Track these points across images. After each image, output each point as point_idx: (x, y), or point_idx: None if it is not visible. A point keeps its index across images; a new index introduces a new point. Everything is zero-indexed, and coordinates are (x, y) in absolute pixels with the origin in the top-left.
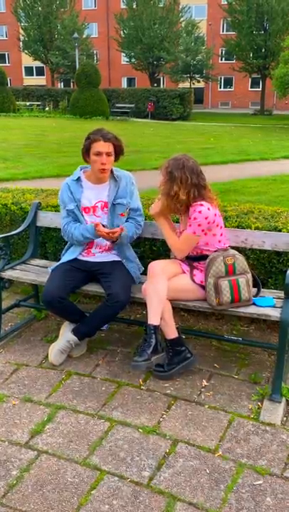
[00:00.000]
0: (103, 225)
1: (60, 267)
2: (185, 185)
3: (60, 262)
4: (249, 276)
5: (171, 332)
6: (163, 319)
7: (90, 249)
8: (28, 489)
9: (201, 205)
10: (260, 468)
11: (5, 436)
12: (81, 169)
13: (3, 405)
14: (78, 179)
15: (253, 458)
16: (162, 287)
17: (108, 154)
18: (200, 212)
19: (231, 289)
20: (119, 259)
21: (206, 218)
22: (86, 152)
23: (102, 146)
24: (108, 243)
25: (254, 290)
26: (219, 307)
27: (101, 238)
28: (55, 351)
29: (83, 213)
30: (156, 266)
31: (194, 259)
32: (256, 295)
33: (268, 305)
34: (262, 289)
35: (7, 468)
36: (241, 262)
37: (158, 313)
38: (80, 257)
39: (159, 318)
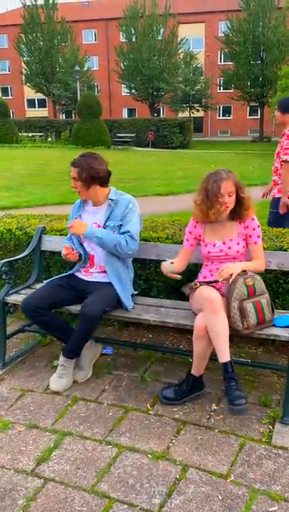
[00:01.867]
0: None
1: (52, 281)
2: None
3: (58, 276)
4: (267, 296)
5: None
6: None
7: (90, 268)
8: None
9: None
10: (275, 494)
11: (10, 464)
12: None
13: (9, 432)
14: (86, 200)
15: (266, 483)
16: (227, 323)
17: (74, 178)
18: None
19: (256, 310)
20: (113, 283)
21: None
22: None
23: (71, 172)
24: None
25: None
26: (246, 331)
27: (98, 256)
28: (53, 378)
29: None
30: (218, 299)
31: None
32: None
33: (285, 324)
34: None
35: (13, 497)
36: (260, 282)
37: (228, 348)
38: (77, 274)
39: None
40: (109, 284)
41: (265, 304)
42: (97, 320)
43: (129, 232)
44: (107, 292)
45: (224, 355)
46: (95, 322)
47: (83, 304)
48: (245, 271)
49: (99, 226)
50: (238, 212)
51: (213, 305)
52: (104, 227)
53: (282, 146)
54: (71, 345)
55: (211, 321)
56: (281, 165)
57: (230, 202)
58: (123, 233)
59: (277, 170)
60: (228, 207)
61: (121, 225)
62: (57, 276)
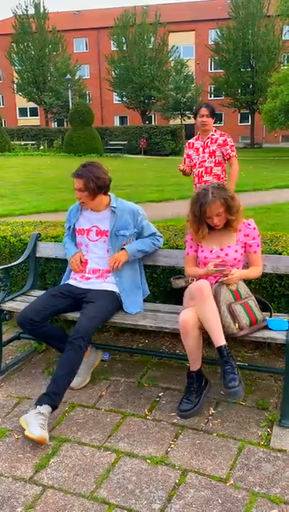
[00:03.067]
0: (82, 259)
1: (48, 291)
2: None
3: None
4: (254, 298)
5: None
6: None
7: (84, 273)
8: None
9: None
10: (274, 497)
11: (8, 471)
12: None
13: (6, 440)
14: None
15: (265, 486)
16: (216, 309)
17: (80, 190)
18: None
19: (246, 311)
20: (114, 291)
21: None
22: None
23: (75, 183)
24: (103, 268)
25: (267, 314)
26: (241, 333)
27: (92, 261)
28: (29, 424)
29: (78, 235)
30: (207, 286)
31: None
32: (270, 317)
33: (281, 328)
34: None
35: (11, 505)
36: (243, 286)
37: (222, 332)
38: (72, 282)
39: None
40: (110, 294)
41: (254, 305)
42: (86, 345)
43: (155, 233)
44: (103, 304)
45: (218, 340)
46: (80, 348)
47: (75, 327)
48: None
49: (100, 231)
50: (230, 223)
51: (202, 292)
52: (116, 236)
53: (224, 143)
54: (50, 387)
55: (200, 309)
56: (220, 163)
57: (219, 221)
58: (149, 235)
59: (212, 170)
60: (217, 225)
61: (136, 232)
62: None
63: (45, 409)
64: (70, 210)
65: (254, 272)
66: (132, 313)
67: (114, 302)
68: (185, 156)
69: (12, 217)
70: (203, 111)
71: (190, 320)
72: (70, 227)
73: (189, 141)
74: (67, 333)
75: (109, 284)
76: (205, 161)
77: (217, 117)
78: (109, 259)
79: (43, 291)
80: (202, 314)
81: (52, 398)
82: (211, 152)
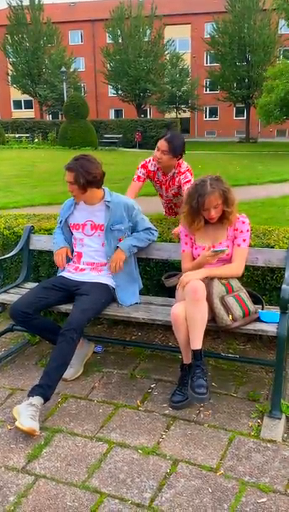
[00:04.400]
0: (71, 254)
1: (41, 283)
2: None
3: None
4: (245, 291)
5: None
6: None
7: (78, 265)
8: None
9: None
10: (264, 486)
11: (1, 461)
12: None
13: None
14: None
15: (255, 475)
16: (206, 312)
17: (70, 182)
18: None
19: (239, 303)
20: (107, 283)
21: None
22: None
23: (66, 175)
24: (97, 261)
25: (259, 307)
26: (235, 324)
27: (87, 255)
28: (20, 414)
29: (73, 230)
30: (201, 287)
31: None
32: (262, 309)
33: (273, 320)
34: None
35: (4, 494)
36: (234, 280)
37: (202, 337)
38: (66, 275)
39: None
40: (103, 287)
41: (246, 298)
42: (79, 337)
43: (150, 228)
44: (96, 297)
45: (196, 343)
46: (73, 340)
47: (67, 319)
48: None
49: (95, 225)
50: (226, 216)
51: (195, 294)
52: (111, 230)
53: (179, 183)
54: (42, 380)
55: (190, 310)
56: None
57: (216, 213)
58: (143, 230)
59: (181, 203)
60: (213, 218)
61: (130, 226)
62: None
63: (37, 400)
64: (64, 205)
65: (225, 270)
66: (127, 304)
67: (107, 295)
68: (139, 176)
69: (6, 209)
70: (161, 144)
71: (182, 314)
72: (61, 221)
73: (147, 164)
74: (60, 326)
75: (103, 277)
76: (171, 200)
77: (181, 156)
78: (108, 264)
79: (36, 284)
80: (190, 314)
81: (44, 390)
82: (174, 194)
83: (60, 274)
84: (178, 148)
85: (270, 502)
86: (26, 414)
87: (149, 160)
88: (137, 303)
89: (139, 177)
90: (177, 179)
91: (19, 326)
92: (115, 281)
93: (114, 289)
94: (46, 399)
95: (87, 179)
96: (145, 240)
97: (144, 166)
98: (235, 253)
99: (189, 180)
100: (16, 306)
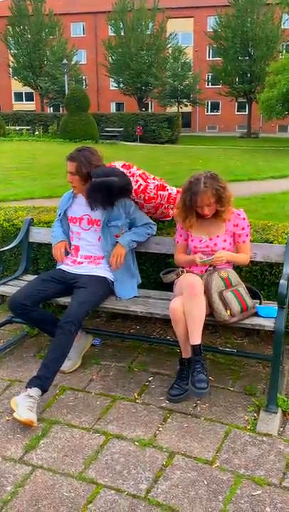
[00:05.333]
0: (69, 249)
1: (39, 276)
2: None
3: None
4: (244, 286)
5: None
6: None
7: (76, 258)
8: (23, 505)
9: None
10: (259, 479)
11: None
12: None
13: None
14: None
15: (250, 468)
16: (204, 307)
17: (71, 173)
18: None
19: (237, 298)
20: (106, 276)
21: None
22: None
23: (68, 165)
24: (95, 254)
25: (257, 301)
26: (233, 319)
27: (84, 248)
28: (18, 405)
29: (70, 223)
30: (199, 283)
31: None
32: (260, 304)
33: (271, 315)
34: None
35: (1, 484)
36: (233, 274)
37: (201, 332)
38: (64, 267)
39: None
40: (101, 280)
41: (244, 293)
42: (77, 330)
43: (149, 223)
44: (94, 290)
45: (195, 338)
46: (70, 333)
47: (65, 311)
48: (215, 266)
49: (92, 220)
50: (219, 214)
51: (193, 289)
52: (108, 227)
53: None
54: (40, 371)
55: (188, 305)
56: None
57: (209, 211)
58: (142, 225)
59: None
60: (207, 215)
61: (128, 222)
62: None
63: (35, 392)
64: (63, 198)
65: (242, 258)
66: (125, 298)
67: (105, 288)
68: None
69: (5, 202)
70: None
71: (180, 308)
72: (60, 214)
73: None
74: (59, 318)
75: (101, 270)
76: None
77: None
78: (107, 259)
79: (35, 276)
80: (188, 309)
81: (42, 381)
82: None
83: (58, 267)
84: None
85: (264, 494)
86: (24, 405)
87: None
88: (135, 296)
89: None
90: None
91: (18, 318)
92: (114, 275)
93: (112, 282)
94: (44, 390)
95: (88, 170)
96: (144, 234)
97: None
98: (243, 248)
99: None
100: (15, 298)
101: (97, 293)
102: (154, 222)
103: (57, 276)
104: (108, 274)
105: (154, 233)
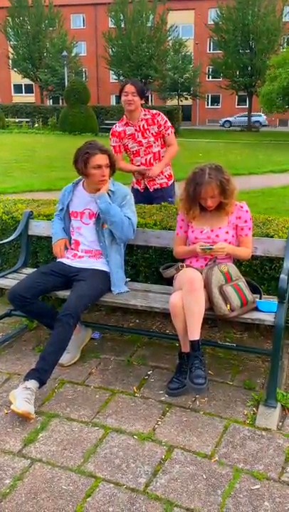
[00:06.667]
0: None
1: (39, 269)
2: None
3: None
4: (244, 280)
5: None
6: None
7: (76, 252)
8: (21, 498)
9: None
10: (257, 473)
11: None
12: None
13: None
14: (77, 184)
15: (249, 463)
16: (203, 302)
17: (106, 166)
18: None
19: (237, 293)
20: (106, 270)
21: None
22: (84, 166)
23: (101, 159)
24: (95, 250)
25: (257, 296)
26: (233, 313)
27: (85, 242)
28: (16, 397)
29: (71, 217)
30: (198, 278)
31: None
32: (260, 299)
33: (271, 310)
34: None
35: (0, 477)
36: (233, 268)
37: (200, 328)
38: (64, 261)
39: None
40: (101, 273)
41: (244, 287)
42: (75, 323)
43: (132, 220)
44: (94, 283)
45: (194, 334)
46: (69, 325)
47: (64, 304)
48: (216, 259)
49: (93, 213)
50: (223, 206)
51: (192, 284)
52: (98, 215)
53: (158, 123)
54: (39, 364)
55: (187, 300)
56: (163, 145)
57: (212, 202)
58: (126, 216)
59: (160, 154)
60: (210, 207)
61: None
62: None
63: (32, 384)
64: (64, 191)
65: (243, 252)
66: (121, 290)
67: (105, 282)
68: (114, 147)
69: (5, 194)
70: (128, 88)
71: (180, 303)
72: (62, 208)
73: (114, 129)
74: (58, 311)
75: (101, 264)
76: (151, 145)
77: (146, 98)
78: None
79: (34, 269)
80: (187, 305)
81: (40, 374)
82: (155, 135)
83: (59, 260)
84: (143, 89)
85: (263, 489)
86: (21, 397)
87: (115, 126)
88: (128, 291)
89: (114, 148)
90: (155, 120)
91: (17, 310)
92: (109, 266)
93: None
94: (42, 383)
95: (115, 161)
96: (122, 218)
97: (112, 134)
98: (245, 241)
99: (171, 125)
100: (15, 290)
101: (96, 287)
102: (135, 223)
103: (56, 270)
104: (108, 268)
105: (131, 233)
